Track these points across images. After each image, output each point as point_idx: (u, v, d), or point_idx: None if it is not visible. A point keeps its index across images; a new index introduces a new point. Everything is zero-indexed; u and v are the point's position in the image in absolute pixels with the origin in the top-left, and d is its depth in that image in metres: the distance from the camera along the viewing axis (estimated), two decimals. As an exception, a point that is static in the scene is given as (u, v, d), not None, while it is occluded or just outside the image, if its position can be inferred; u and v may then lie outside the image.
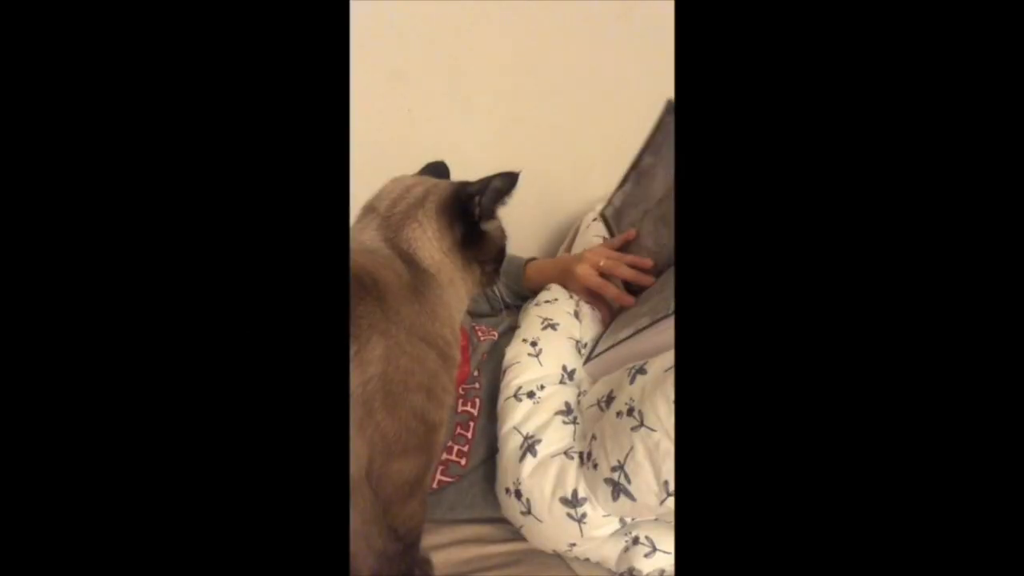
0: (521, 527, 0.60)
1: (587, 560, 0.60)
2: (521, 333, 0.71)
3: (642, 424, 0.50)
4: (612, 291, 0.73)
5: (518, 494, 0.58)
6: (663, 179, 0.73)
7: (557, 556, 0.62)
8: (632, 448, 0.50)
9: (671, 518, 0.52)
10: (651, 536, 0.54)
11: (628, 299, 0.72)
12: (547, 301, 0.76)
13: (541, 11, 0.89)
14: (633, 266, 0.73)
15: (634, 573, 0.55)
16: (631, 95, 1.02)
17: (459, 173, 0.65)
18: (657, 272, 0.72)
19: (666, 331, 0.58)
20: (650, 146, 0.74)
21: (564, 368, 0.67)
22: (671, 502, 0.48)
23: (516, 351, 0.69)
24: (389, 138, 0.87)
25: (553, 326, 0.71)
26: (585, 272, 0.75)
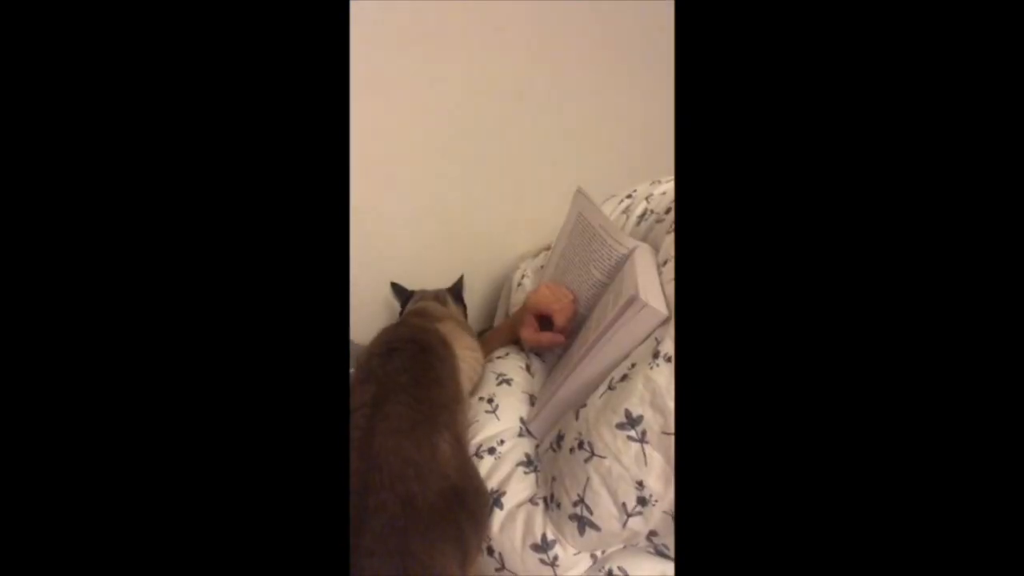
0: (498, 585, 0.59)
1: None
2: (478, 391, 0.74)
3: (593, 454, 0.52)
4: (547, 338, 0.75)
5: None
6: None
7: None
8: (588, 479, 0.52)
9: (637, 541, 0.53)
10: (623, 566, 0.54)
11: (559, 338, 0.74)
12: (499, 357, 0.80)
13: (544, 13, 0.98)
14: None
15: (613, 606, 0.54)
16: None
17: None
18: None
19: (585, 369, 0.60)
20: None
21: (521, 420, 0.69)
22: (632, 522, 0.50)
23: (474, 410, 0.71)
24: (389, 141, 0.91)
25: (508, 381, 0.74)
26: (526, 335, 0.78)
